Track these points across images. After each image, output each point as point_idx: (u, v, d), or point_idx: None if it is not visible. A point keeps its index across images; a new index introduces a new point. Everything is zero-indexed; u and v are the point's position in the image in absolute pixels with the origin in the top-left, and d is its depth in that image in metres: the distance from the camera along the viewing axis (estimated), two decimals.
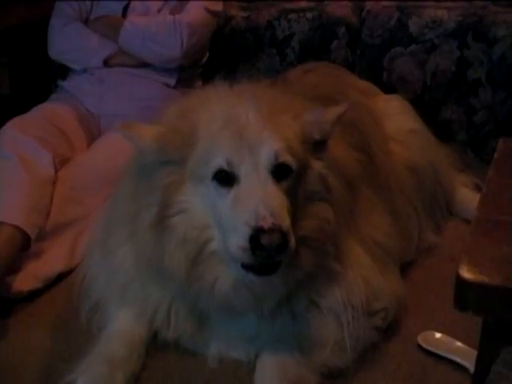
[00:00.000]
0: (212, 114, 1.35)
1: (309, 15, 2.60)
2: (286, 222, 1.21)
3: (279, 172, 1.28)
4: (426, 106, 2.32)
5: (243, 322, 1.39)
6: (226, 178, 1.28)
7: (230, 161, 1.27)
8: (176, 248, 1.32)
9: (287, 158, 1.29)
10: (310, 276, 1.37)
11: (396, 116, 2.00)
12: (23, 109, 2.18)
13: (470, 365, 1.33)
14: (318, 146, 1.37)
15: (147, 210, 1.34)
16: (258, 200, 1.22)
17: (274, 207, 1.21)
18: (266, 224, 1.18)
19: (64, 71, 2.48)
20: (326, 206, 1.36)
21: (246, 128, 1.30)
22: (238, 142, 1.28)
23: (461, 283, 0.91)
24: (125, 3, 2.39)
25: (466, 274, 0.91)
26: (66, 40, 2.37)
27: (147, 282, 1.44)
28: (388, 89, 2.30)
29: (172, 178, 1.33)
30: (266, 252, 1.19)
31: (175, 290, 1.41)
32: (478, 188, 2.08)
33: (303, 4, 2.69)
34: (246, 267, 1.24)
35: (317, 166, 1.36)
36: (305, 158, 1.34)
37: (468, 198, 2.06)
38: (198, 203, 1.31)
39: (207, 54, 2.56)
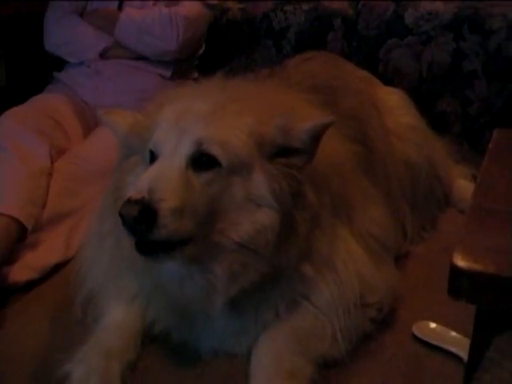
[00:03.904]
0: (175, 105, 1.35)
1: (305, 7, 2.59)
2: (165, 203, 1.16)
3: (202, 162, 1.25)
4: (421, 97, 2.31)
5: (220, 318, 1.36)
6: (154, 160, 1.29)
7: (157, 144, 1.29)
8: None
9: (214, 150, 1.25)
10: (282, 278, 1.35)
11: (396, 110, 2.00)
12: (19, 100, 2.18)
13: (464, 354, 1.32)
14: (289, 153, 1.29)
15: (107, 191, 1.38)
16: (149, 176, 1.21)
17: (160, 185, 1.18)
18: (134, 196, 1.16)
19: (60, 63, 2.47)
20: (271, 213, 1.27)
21: (186, 117, 1.29)
22: (172, 127, 1.28)
23: (455, 271, 0.92)
24: None
25: (460, 262, 0.92)
26: (62, 33, 2.37)
27: (127, 270, 1.44)
28: (384, 80, 2.29)
29: (130, 162, 1.37)
30: (125, 223, 1.17)
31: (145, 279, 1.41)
32: (475, 179, 2.06)
33: None
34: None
35: (270, 171, 1.28)
36: (252, 158, 1.28)
37: (465, 188, 2.07)
38: None
39: (203, 45, 2.55)
